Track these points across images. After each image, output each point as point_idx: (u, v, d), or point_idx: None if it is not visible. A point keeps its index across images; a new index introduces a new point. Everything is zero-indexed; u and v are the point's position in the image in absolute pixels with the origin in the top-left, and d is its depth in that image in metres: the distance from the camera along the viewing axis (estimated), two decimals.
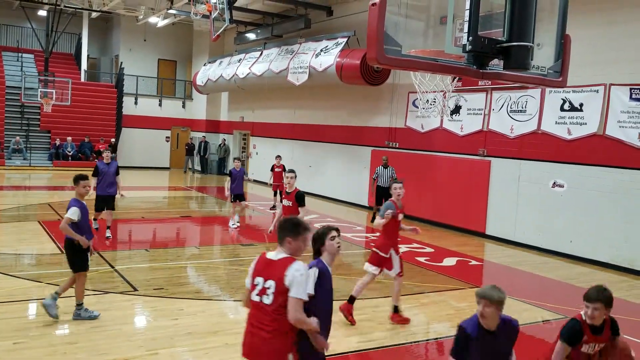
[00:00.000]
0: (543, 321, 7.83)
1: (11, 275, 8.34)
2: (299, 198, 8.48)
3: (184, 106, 29.86)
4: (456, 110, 14.83)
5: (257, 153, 25.14)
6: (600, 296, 4.19)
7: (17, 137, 24.47)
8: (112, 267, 9.18)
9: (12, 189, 18.60)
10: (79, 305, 6.70)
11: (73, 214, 6.48)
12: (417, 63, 4.05)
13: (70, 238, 6.57)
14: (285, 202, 8.62)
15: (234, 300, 7.81)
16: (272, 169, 16.31)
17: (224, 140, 27.62)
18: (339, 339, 6.53)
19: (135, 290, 7.97)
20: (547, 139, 12.64)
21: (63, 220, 6.51)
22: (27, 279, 8.19)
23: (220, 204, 19.01)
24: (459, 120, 14.79)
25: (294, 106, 22.07)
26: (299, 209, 8.31)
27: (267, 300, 3.54)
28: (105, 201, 11.35)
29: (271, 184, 16.35)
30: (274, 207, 16.05)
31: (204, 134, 28.41)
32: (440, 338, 7.00)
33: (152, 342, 6.11)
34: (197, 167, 28.44)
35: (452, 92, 12.46)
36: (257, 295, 3.61)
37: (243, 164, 27.68)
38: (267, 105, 23.94)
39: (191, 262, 10.10)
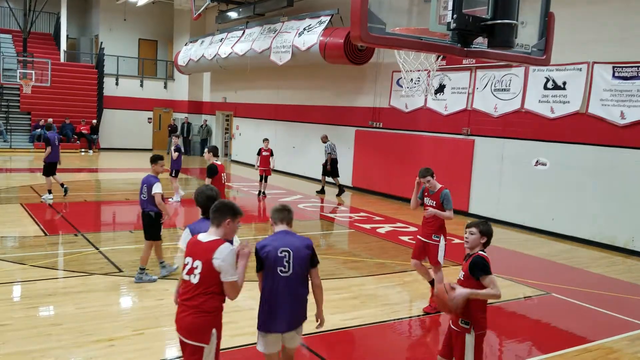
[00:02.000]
0: (524, 297, 7.96)
1: None
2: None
3: (165, 87, 29.51)
4: (440, 89, 14.85)
5: (240, 134, 25.00)
6: (475, 222, 4.36)
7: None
8: (97, 248, 9.13)
9: None
10: (142, 269, 7.43)
11: (160, 187, 7.34)
12: (401, 41, 4.04)
13: (149, 211, 7.43)
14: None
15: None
16: (259, 153, 15.45)
17: (205, 121, 27.41)
18: (324, 317, 6.58)
19: (120, 271, 7.94)
20: (531, 118, 12.73)
21: (156, 197, 7.31)
22: (11, 262, 8.11)
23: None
24: (443, 99, 14.82)
25: (277, 87, 21.93)
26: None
27: (194, 279, 3.68)
28: None
29: (257, 168, 15.55)
30: (262, 195, 15.43)
31: (186, 115, 28.14)
32: (422, 315, 7.09)
33: (137, 323, 6.11)
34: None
35: (437, 71, 12.45)
36: (186, 274, 3.75)
37: (185, 141, 27.16)
38: (250, 85, 23.75)
39: (175, 244, 10.07)
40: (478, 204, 13.91)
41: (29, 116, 25.24)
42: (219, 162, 9.34)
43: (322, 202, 15.87)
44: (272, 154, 15.44)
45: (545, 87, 12.43)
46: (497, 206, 13.45)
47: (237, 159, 25.06)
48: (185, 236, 4.53)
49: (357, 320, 6.60)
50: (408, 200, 15.31)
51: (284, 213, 4.22)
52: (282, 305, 4.05)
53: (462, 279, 4.27)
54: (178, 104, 29.12)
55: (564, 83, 12.05)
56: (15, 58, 25.00)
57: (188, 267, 3.73)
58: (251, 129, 23.73)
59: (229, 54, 21.05)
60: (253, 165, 22.12)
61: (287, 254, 4.01)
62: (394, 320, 6.67)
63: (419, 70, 12.01)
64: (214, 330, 3.73)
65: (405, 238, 11.02)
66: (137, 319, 6.26)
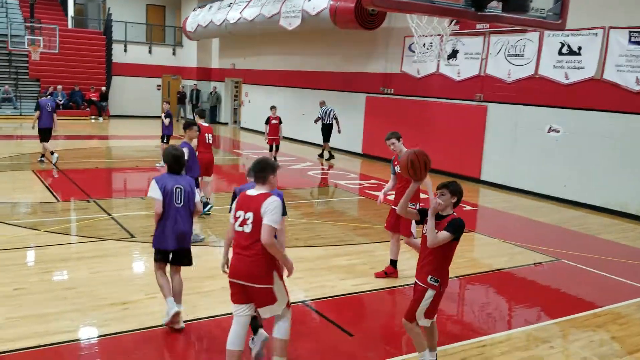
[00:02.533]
0: (535, 264, 7.96)
1: (8, 224, 8.35)
2: None
3: (174, 53, 29.29)
4: (453, 54, 14.61)
5: (249, 101, 24.87)
6: (445, 183, 4.41)
7: (6, 86, 24.03)
8: (109, 214, 9.20)
9: (4, 138, 18.41)
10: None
11: (187, 153, 7.47)
12: (413, 5, 3.94)
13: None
14: None
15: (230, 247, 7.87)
16: (268, 121, 15.09)
17: (215, 88, 27.25)
18: (335, 282, 6.64)
19: (132, 237, 8.01)
20: (545, 84, 12.53)
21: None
22: (24, 227, 8.20)
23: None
24: (456, 65, 14.60)
25: (286, 52, 21.68)
26: None
27: (247, 229, 4.05)
28: None
29: (267, 138, 15.22)
30: None
31: (195, 82, 27.98)
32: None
33: (150, 287, 6.17)
34: (190, 115, 28.17)
35: (449, 35, 12.27)
36: (239, 225, 4.11)
37: (194, 108, 27.58)
38: (259, 51, 23.50)
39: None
40: (490, 171, 13.83)
41: (38, 83, 25.20)
42: (205, 124, 9.65)
43: (328, 167, 15.88)
44: (280, 122, 15.26)
45: (560, 53, 12.19)
46: (510, 173, 13.37)
47: (246, 126, 24.99)
48: (153, 186, 5.11)
49: (367, 285, 6.64)
50: None
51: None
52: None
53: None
54: (187, 71, 28.94)
55: (579, 48, 11.81)
56: (22, 24, 24.84)
57: (240, 219, 4.10)
58: (260, 95, 23.58)
59: (238, 19, 20.77)
60: (262, 133, 22.13)
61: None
62: (404, 285, 6.70)
63: (431, 35, 11.84)
64: (274, 272, 4.10)
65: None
66: (149, 283, 6.32)
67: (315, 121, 17.15)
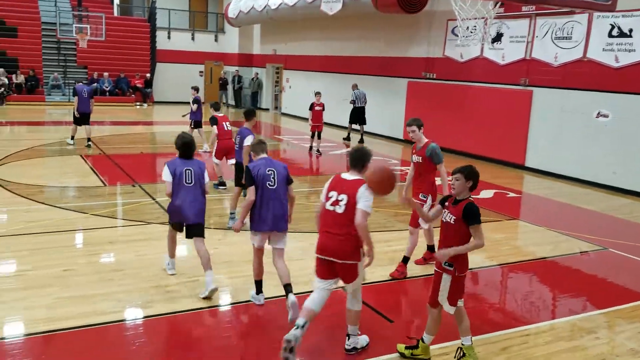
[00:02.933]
0: (581, 252, 7.76)
1: (58, 207, 8.64)
2: None
3: (216, 40, 29.55)
4: (497, 38, 14.26)
5: (290, 87, 24.91)
6: (460, 168, 4.42)
7: (55, 74, 24.76)
8: (154, 199, 9.42)
9: (53, 124, 19.01)
10: (232, 213, 8.02)
11: (250, 140, 7.52)
12: None
13: (242, 161, 7.78)
14: None
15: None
16: (311, 108, 14.80)
17: (257, 74, 27.39)
18: (374, 268, 6.61)
19: None
20: (593, 67, 12.10)
21: (245, 149, 7.62)
22: (73, 210, 8.48)
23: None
24: (500, 48, 14.24)
25: (327, 38, 21.58)
26: None
27: (340, 210, 4.37)
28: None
29: (310, 124, 14.93)
30: (318, 153, 14.85)
31: (237, 67, 28.19)
32: (474, 269, 7.01)
33: (192, 270, 6.31)
34: (231, 101, 28.45)
35: (494, 18, 11.98)
36: (331, 205, 4.43)
37: (236, 94, 27.80)
38: (300, 37, 23.47)
39: (228, 194, 10.25)
40: (535, 157, 13.50)
41: (85, 70, 25.86)
42: (220, 115, 10.69)
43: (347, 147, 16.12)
44: (324, 109, 15.01)
45: (610, 35, 11.73)
46: (555, 159, 13.02)
47: (287, 111, 25.07)
48: (165, 170, 5.72)
49: (408, 272, 6.59)
50: (462, 154, 15.11)
51: (263, 145, 5.59)
52: (270, 210, 5.23)
53: (451, 222, 4.32)
54: (229, 57, 29.17)
55: (630, 30, 11.33)
56: (70, 13, 25.48)
57: (332, 199, 4.42)
58: (301, 81, 23.59)
59: (279, 4, 20.76)
60: (303, 118, 22.15)
61: (272, 172, 5.27)
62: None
63: (475, 18, 11.58)
64: (360, 250, 4.41)
65: None
66: (192, 266, 6.45)
67: (350, 103, 17.33)
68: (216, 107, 11.43)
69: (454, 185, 4.34)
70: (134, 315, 5.28)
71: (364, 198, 4.29)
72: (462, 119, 15.15)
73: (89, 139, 14.16)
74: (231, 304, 5.66)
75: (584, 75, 12.30)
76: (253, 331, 5.12)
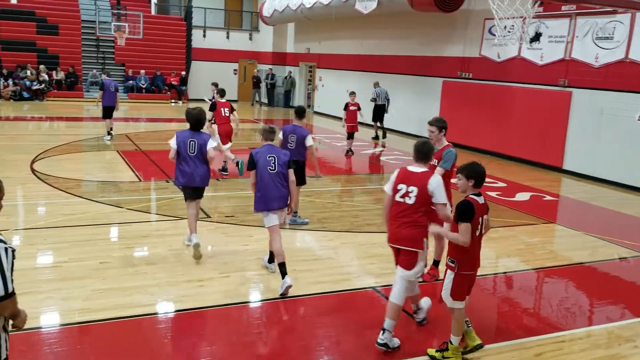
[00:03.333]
0: (619, 258, 7.54)
1: (95, 201, 8.82)
2: None
3: (250, 38, 29.76)
4: (536, 37, 13.97)
5: (322, 85, 24.91)
6: (462, 167, 4.49)
7: (94, 70, 25.29)
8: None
9: (91, 120, 19.41)
10: (295, 212, 7.98)
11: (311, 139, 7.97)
12: None
13: (298, 159, 7.74)
14: None
15: (301, 229, 7.96)
16: (346, 107, 14.62)
17: (290, 72, 27.47)
18: None
19: (208, 216, 8.26)
20: (635, 68, 11.75)
21: (312, 148, 8.01)
22: (109, 205, 8.64)
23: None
24: (539, 48, 13.95)
25: (361, 36, 21.50)
26: None
27: (410, 201, 4.59)
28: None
29: (344, 125, 14.71)
30: (349, 153, 14.59)
31: (270, 66, 28.33)
32: (508, 272, 6.89)
33: (224, 266, 6.36)
34: (264, 99, 28.60)
35: (533, 18, 11.74)
36: (400, 197, 4.65)
37: (269, 92, 27.62)
38: (334, 36, 23.44)
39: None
40: (573, 160, 13.19)
41: (123, 67, 26.36)
42: (222, 100, 11.16)
43: (375, 146, 16.22)
44: (359, 108, 14.83)
45: None
46: (594, 163, 12.69)
47: (320, 110, 25.08)
48: (173, 138, 6.63)
49: (441, 274, 6.50)
50: (498, 155, 14.86)
51: (272, 134, 6.05)
52: (271, 192, 5.80)
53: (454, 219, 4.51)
54: (262, 55, 29.34)
55: None
56: (109, 11, 26.00)
57: (402, 191, 4.64)
58: (334, 80, 23.56)
59: (314, 3, 20.78)
60: (335, 117, 22.12)
61: (273, 158, 5.81)
62: (479, 276, 6.50)
63: (513, 18, 11.37)
64: (425, 239, 4.69)
65: (492, 194, 10.67)
66: (224, 262, 6.51)
67: (371, 101, 17.56)
68: (222, 93, 11.46)
69: (458, 184, 4.50)
70: (166, 308, 5.35)
71: (438, 191, 4.58)
72: (499, 120, 14.90)
73: (110, 130, 14.71)
74: (261, 300, 5.69)
75: (625, 77, 11.96)
76: (282, 328, 5.12)
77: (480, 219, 4.39)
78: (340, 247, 7.40)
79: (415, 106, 18.41)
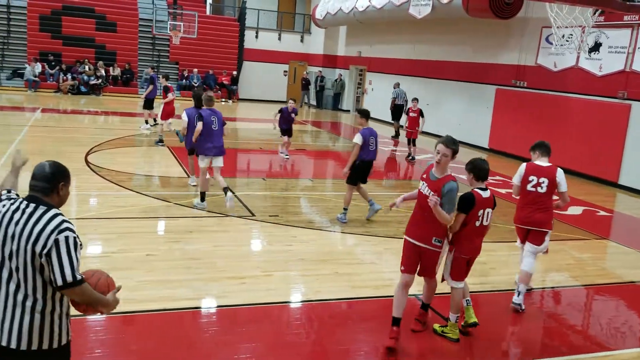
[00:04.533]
0: None
1: (143, 194, 9.03)
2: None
3: (302, 40, 29.93)
4: (595, 47, 13.52)
5: (372, 89, 24.80)
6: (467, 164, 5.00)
7: (149, 68, 25.94)
8: (233, 192, 9.63)
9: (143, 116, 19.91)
10: (345, 209, 8.30)
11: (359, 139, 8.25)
12: None
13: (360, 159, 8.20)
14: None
15: (344, 232, 7.92)
16: (407, 113, 14.58)
17: (340, 75, 27.48)
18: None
19: (253, 215, 8.32)
20: None
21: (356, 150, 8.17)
22: (157, 199, 8.82)
23: (334, 139, 19.17)
24: (598, 58, 13.49)
25: (413, 41, 21.31)
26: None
27: (542, 190, 5.67)
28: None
29: (405, 129, 14.73)
30: (409, 157, 14.64)
31: (320, 68, 28.43)
32: (557, 287, 6.66)
33: (267, 264, 6.39)
34: (313, 101, 28.71)
35: (592, 27, 11.36)
36: (532, 187, 5.69)
37: (318, 95, 28.18)
38: (386, 40, 23.32)
39: (304, 193, 10.35)
40: (630, 174, 12.67)
41: (177, 66, 26.96)
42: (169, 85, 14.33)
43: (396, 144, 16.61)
44: (421, 115, 14.45)
45: None
46: None
47: None
48: (184, 117, 8.87)
49: (485, 285, 6.36)
50: None
51: (212, 102, 8.39)
52: (213, 142, 8.16)
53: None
54: (313, 58, 29.46)
55: None
56: (166, 10, 26.65)
57: (534, 182, 5.68)
58: (384, 84, 23.41)
59: (367, 7, 20.73)
60: (384, 122, 22.01)
61: (215, 118, 8.30)
62: (527, 290, 6.31)
63: (572, 27, 11.04)
64: (553, 220, 5.84)
65: None
66: (266, 261, 6.54)
67: (393, 100, 18.90)
68: (167, 78, 14.79)
69: (467, 178, 5.05)
70: (208, 303, 5.41)
71: (563, 182, 5.68)
72: (553, 131, 14.48)
73: (147, 121, 16.03)
74: (302, 301, 5.68)
75: None
76: (322, 330, 5.10)
77: (482, 211, 4.81)
78: (383, 252, 7.33)
79: (466, 113, 18.10)
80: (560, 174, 5.67)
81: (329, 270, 6.35)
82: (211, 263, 6.31)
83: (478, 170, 4.90)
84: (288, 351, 4.60)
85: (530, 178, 5.69)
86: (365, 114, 8.63)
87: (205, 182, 8.42)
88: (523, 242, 5.87)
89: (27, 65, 23.42)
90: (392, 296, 4.76)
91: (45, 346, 2.73)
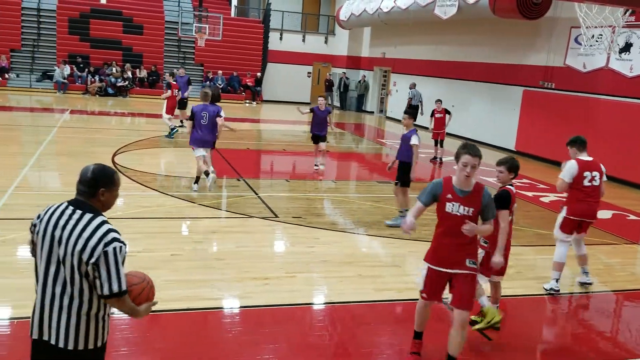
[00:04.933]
0: None
1: (169, 195, 9.11)
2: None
3: (326, 42, 29.94)
4: (626, 48, 13.24)
5: (397, 91, 24.69)
6: (503, 160, 5.18)
7: (168, 74, 26.19)
8: (256, 193, 9.66)
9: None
10: (401, 212, 8.19)
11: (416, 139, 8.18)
12: None
13: (408, 162, 8.15)
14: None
15: (368, 235, 7.88)
16: (432, 114, 14.42)
17: (364, 76, 27.42)
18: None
19: (276, 216, 8.33)
20: None
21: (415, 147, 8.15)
22: (182, 199, 8.89)
23: (357, 140, 19.12)
24: (629, 59, 13.21)
25: (438, 42, 21.15)
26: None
27: (596, 183, 6.09)
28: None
29: (431, 131, 14.51)
30: (435, 159, 14.46)
31: (344, 70, 28.39)
32: (585, 293, 6.52)
33: (290, 266, 6.39)
34: (337, 103, 28.70)
35: (623, 27, 11.14)
36: (588, 182, 6.05)
37: (341, 96, 27.92)
38: (410, 41, 23.19)
39: (328, 195, 10.33)
40: None
41: (202, 68, 27.19)
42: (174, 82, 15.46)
43: None
44: (447, 113, 14.23)
45: None
46: None
47: (392, 115, 24.87)
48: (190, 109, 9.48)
49: (510, 290, 6.24)
50: None
51: (207, 96, 9.37)
52: (202, 135, 9.21)
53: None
54: (337, 59, 29.45)
55: None
56: (192, 12, 26.91)
57: (588, 177, 6.06)
58: (408, 85, 23.28)
59: (391, 8, 20.65)
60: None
61: (206, 114, 9.16)
62: (550, 294, 6.20)
63: (602, 27, 10.84)
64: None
65: None
66: (289, 262, 6.54)
67: (409, 100, 18.96)
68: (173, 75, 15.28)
69: (498, 177, 5.15)
70: (231, 304, 5.42)
71: (604, 173, 6.19)
72: (581, 133, 14.00)
73: (182, 121, 16.19)
74: (325, 303, 5.66)
75: None
76: (345, 333, 5.06)
77: (514, 205, 5.05)
78: (407, 255, 7.27)
79: (492, 115, 17.89)
80: (603, 166, 6.21)
81: (353, 273, 6.32)
82: (235, 263, 6.33)
83: (517, 170, 5.13)
84: (311, 353, 4.58)
85: (585, 174, 6.03)
86: (414, 115, 8.51)
87: (200, 167, 9.26)
88: (572, 233, 6.22)
89: (56, 68, 23.89)
90: (416, 299, 4.70)
91: (90, 345, 2.82)
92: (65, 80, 23.81)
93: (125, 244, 2.81)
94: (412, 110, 8.96)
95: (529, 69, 16.41)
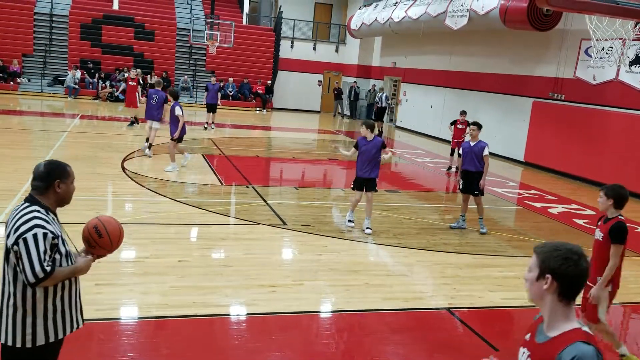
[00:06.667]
0: None
1: (178, 201, 9.15)
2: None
3: (337, 50, 30.04)
4: (636, 60, 13.19)
5: (407, 100, 24.70)
6: (605, 187, 4.79)
7: (186, 77, 26.41)
8: (265, 201, 9.69)
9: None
10: (480, 217, 8.74)
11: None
12: (594, 5, 3.61)
13: (479, 171, 8.72)
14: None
15: (376, 243, 7.87)
16: (454, 123, 14.38)
17: (374, 85, 27.46)
18: (483, 293, 6.33)
19: (285, 224, 8.34)
20: None
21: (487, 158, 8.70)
22: (192, 206, 8.93)
23: None
24: (639, 72, 13.15)
25: (448, 52, 21.16)
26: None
27: None
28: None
29: (451, 140, 14.69)
30: (450, 169, 14.64)
31: (354, 79, 28.45)
32: None
33: (297, 273, 6.39)
34: (347, 111, 28.74)
35: (633, 40, 11.09)
36: None
37: (352, 105, 27.85)
38: (421, 50, 23.22)
39: (336, 203, 10.33)
40: None
41: (213, 75, 27.32)
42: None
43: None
44: (469, 125, 14.34)
45: None
46: None
47: (402, 125, 24.88)
48: (177, 111, 11.22)
49: (519, 300, 6.22)
50: (589, 182, 14.10)
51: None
52: (149, 110, 12.80)
53: (600, 240, 4.72)
54: (347, 68, 29.53)
55: None
56: (203, 20, 27.11)
57: None
58: (419, 95, 23.31)
59: (402, 17, 20.71)
60: (417, 133, 21.89)
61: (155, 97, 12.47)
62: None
63: (612, 39, 10.80)
64: None
65: (580, 221, 10.13)
66: (297, 270, 6.54)
67: (375, 103, 21.80)
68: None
69: (599, 202, 4.77)
70: (238, 311, 5.43)
71: None
72: (592, 145, 14.16)
73: (213, 122, 18.46)
74: (332, 311, 5.65)
75: None
76: (351, 341, 5.06)
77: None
78: (415, 264, 7.25)
79: (501, 125, 17.84)
80: None
81: (360, 281, 6.31)
82: (242, 270, 6.34)
83: (619, 198, 4.68)
84: None
85: None
86: (480, 126, 8.96)
87: (152, 133, 12.67)
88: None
89: (67, 73, 24.12)
90: (423, 309, 4.68)
91: (28, 344, 2.78)
92: (77, 86, 24.02)
93: (53, 233, 2.74)
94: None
95: (539, 80, 16.38)
